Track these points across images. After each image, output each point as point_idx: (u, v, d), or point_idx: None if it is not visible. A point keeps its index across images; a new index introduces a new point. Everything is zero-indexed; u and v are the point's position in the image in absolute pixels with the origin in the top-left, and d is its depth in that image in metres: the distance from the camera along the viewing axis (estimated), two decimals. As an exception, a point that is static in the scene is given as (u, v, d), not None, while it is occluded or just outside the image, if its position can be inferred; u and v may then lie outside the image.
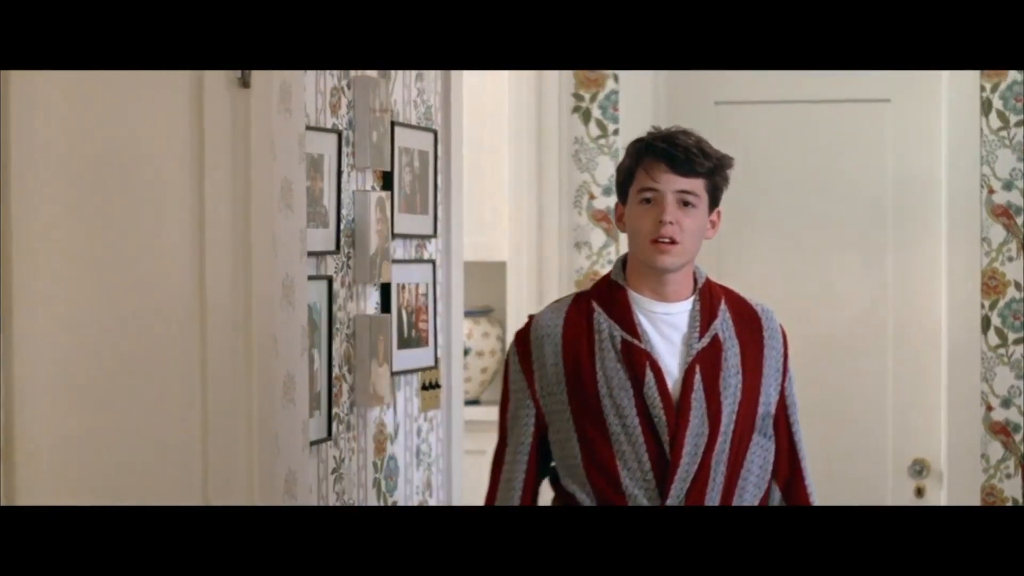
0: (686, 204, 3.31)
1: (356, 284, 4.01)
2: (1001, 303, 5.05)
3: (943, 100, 5.08)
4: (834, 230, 5.21)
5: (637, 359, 3.34)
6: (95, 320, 2.73)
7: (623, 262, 3.44)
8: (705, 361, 3.36)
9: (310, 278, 3.65)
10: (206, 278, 2.96)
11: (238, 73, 2.98)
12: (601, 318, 3.38)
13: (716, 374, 3.36)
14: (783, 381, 3.47)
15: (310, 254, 3.64)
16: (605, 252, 5.34)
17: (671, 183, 3.31)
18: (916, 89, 5.14)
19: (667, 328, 3.38)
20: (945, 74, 5.04)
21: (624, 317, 3.37)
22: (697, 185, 3.33)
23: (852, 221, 5.21)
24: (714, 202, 3.38)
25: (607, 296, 3.41)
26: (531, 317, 3.48)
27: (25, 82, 2.55)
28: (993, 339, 5.06)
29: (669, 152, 3.31)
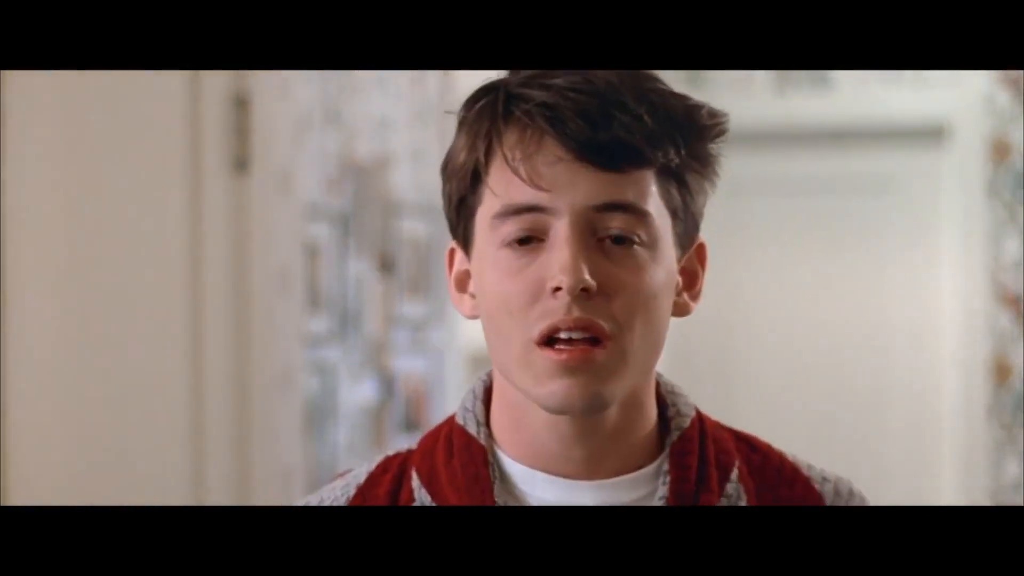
0: (620, 240, 1.42)
1: (357, 371, 3.96)
2: (1007, 391, 5.01)
3: (945, 183, 5.05)
4: (834, 314, 5.18)
5: None
6: (87, 413, 2.68)
7: (485, 387, 1.54)
8: None
9: (309, 365, 3.61)
10: (204, 366, 2.92)
11: (236, 157, 2.96)
12: None
13: None
14: None
15: (309, 341, 3.60)
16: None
17: (579, 188, 1.42)
18: (918, 173, 5.12)
19: None
20: (950, 155, 5.02)
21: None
22: (640, 187, 1.43)
23: (854, 307, 5.17)
24: (687, 226, 1.48)
25: (444, 466, 1.51)
26: None
27: (15, 185, 2.53)
28: (998, 428, 5.00)
29: (563, 114, 1.42)
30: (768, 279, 5.21)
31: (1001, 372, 5.01)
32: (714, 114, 1.47)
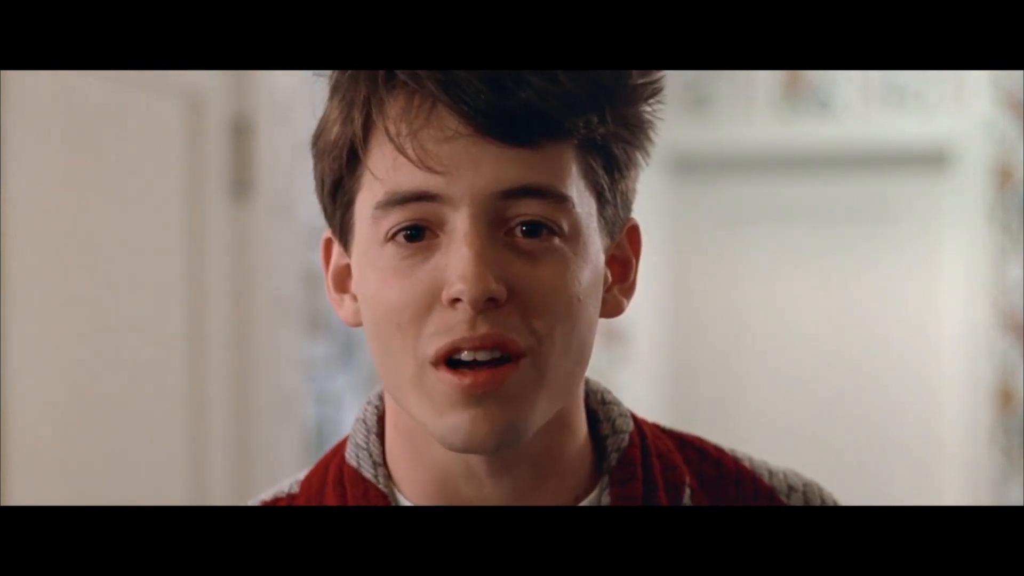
0: (534, 231, 1.16)
1: (358, 398, 3.95)
2: (1009, 417, 4.99)
3: (947, 209, 5.04)
4: (836, 340, 5.16)
5: None
6: (86, 447, 2.67)
7: (378, 415, 1.28)
8: None
9: (310, 392, 3.60)
10: (205, 392, 2.91)
11: (237, 182, 2.95)
12: None
13: None
14: None
15: (311, 367, 3.59)
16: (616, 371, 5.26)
17: (482, 169, 1.14)
18: (921, 198, 5.11)
19: None
20: (952, 181, 5.01)
21: None
22: (557, 166, 1.16)
23: (856, 332, 5.16)
24: (617, 208, 1.22)
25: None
26: None
27: (15, 207, 2.52)
28: (1000, 455, 4.99)
29: (459, 77, 1.14)
30: (770, 304, 5.20)
31: (1003, 398, 4.99)
32: (646, 73, 1.21)
